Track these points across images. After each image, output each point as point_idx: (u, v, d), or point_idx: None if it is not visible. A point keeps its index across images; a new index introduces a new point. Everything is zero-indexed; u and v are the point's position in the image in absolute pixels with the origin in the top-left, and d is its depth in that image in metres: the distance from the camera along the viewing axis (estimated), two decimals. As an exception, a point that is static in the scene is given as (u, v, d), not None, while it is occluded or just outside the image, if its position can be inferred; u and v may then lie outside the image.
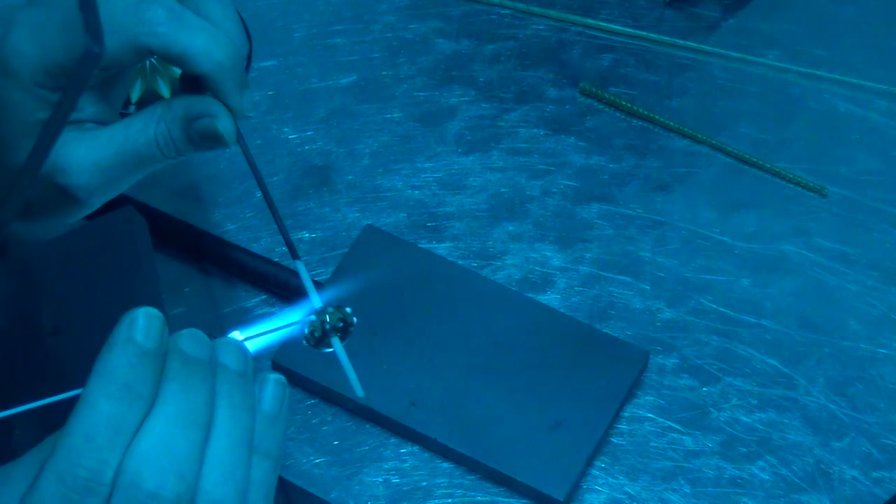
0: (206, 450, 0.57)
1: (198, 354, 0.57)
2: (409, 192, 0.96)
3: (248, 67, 0.79)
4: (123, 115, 0.72)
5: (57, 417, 0.56)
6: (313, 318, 0.65)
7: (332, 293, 0.67)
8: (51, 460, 0.55)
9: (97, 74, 0.69)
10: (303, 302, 0.66)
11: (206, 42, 0.68)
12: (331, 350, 0.65)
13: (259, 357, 0.65)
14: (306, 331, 0.65)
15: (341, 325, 0.65)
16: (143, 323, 0.56)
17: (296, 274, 0.91)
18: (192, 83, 0.70)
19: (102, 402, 0.55)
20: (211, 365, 0.58)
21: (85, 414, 0.55)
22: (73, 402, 0.55)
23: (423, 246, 0.93)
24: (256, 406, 0.59)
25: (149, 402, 0.56)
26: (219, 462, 0.57)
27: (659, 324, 0.91)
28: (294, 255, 0.69)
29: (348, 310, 0.66)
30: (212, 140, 0.70)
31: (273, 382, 0.60)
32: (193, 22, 0.68)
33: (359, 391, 0.66)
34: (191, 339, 0.57)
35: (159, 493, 0.55)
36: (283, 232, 0.70)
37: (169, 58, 0.68)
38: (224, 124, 0.70)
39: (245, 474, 0.57)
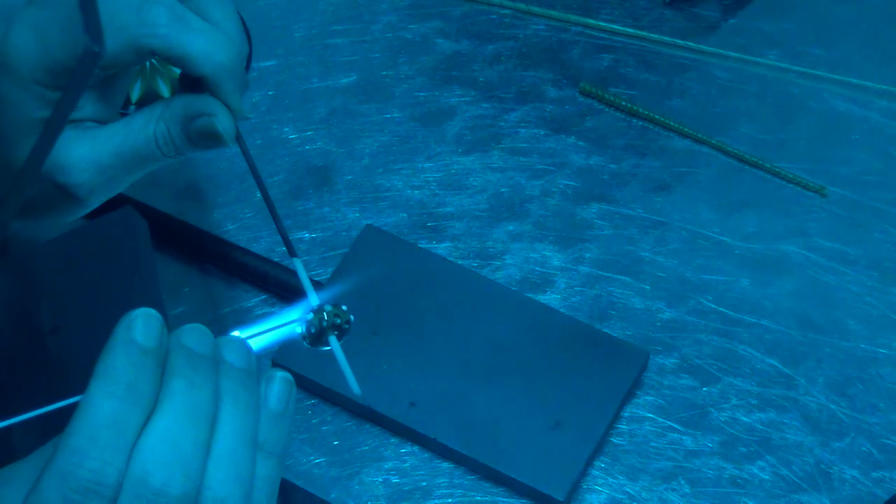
0: (211, 447, 0.56)
1: (202, 350, 0.57)
2: (409, 192, 0.96)
3: (247, 68, 0.80)
4: (123, 116, 0.72)
5: (56, 420, 0.56)
6: (311, 316, 0.65)
7: (331, 293, 0.67)
8: (53, 461, 0.54)
9: (97, 74, 0.69)
10: (301, 301, 0.66)
11: (208, 44, 0.68)
12: (328, 348, 0.65)
13: (259, 357, 0.65)
14: (303, 329, 0.65)
15: (339, 322, 0.65)
16: (142, 323, 0.56)
17: (296, 274, 0.91)
18: (192, 83, 0.70)
19: (105, 403, 0.55)
20: (214, 361, 0.57)
21: (87, 415, 0.54)
22: (72, 406, 0.55)
23: (423, 246, 0.93)
24: (262, 404, 0.59)
25: (151, 402, 0.56)
26: (224, 460, 0.56)
27: (659, 324, 0.91)
28: (292, 252, 0.68)
29: (345, 308, 0.66)
30: (211, 139, 0.70)
31: (280, 380, 0.60)
32: (195, 23, 0.68)
33: (356, 389, 0.66)
34: (194, 334, 0.57)
35: (166, 490, 0.55)
36: (281, 230, 0.70)
37: (170, 59, 0.68)
38: (223, 123, 0.70)
39: (250, 472, 0.57)
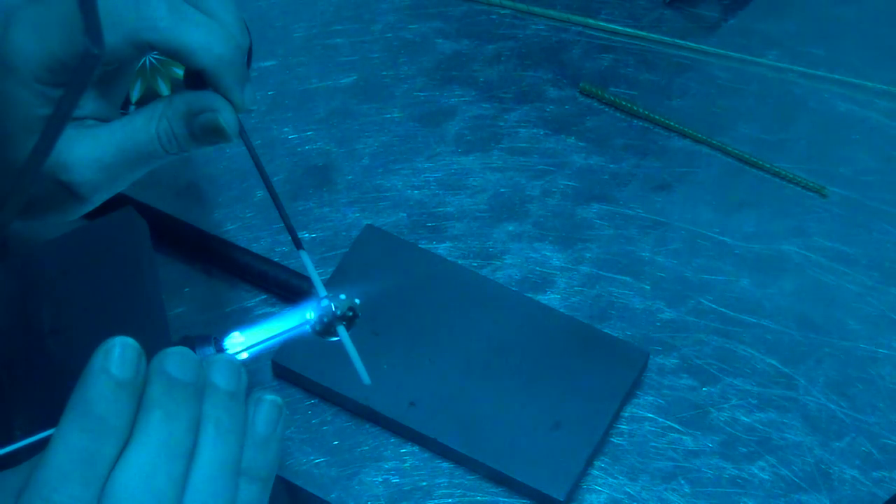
0: (189, 476, 0.56)
1: (183, 376, 0.56)
2: (409, 192, 0.96)
3: (249, 61, 0.80)
4: (124, 115, 0.72)
5: (59, 416, 0.56)
6: (325, 303, 0.65)
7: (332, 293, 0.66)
8: (25, 494, 0.54)
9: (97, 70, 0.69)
10: (307, 293, 0.66)
11: (206, 36, 0.68)
12: (336, 339, 0.65)
13: (259, 356, 0.65)
14: (313, 321, 0.65)
15: (350, 314, 0.65)
16: (118, 353, 0.55)
17: (296, 274, 0.91)
18: (196, 80, 0.70)
19: (75, 436, 0.54)
20: (198, 386, 0.57)
21: (58, 448, 0.54)
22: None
23: (423, 246, 0.93)
24: (249, 427, 0.58)
25: (125, 434, 0.55)
26: (202, 489, 0.56)
27: (659, 324, 0.91)
28: (298, 245, 0.68)
29: (343, 297, 0.65)
30: (214, 134, 0.70)
31: (268, 404, 0.59)
32: (193, 16, 0.68)
33: (365, 379, 0.65)
34: (177, 360, 0.56)
35: None
36: (286, 221, 0.69)
37: (168, 52, 0.68)
38: (226, 118, 0.70)
39: (230, 499, 0.56)
